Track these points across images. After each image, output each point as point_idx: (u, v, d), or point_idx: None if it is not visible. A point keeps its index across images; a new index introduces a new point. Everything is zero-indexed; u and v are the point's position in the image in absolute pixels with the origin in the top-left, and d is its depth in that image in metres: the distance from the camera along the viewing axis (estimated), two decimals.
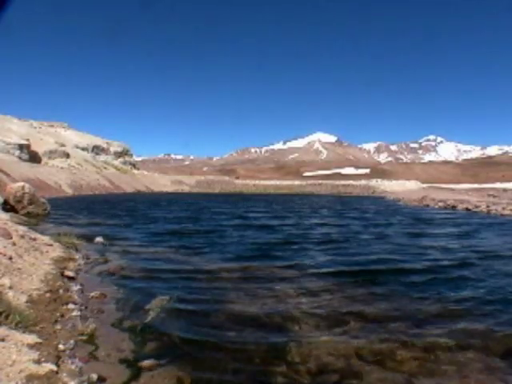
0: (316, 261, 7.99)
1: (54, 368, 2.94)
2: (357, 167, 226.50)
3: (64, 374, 2.96)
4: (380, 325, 4.40)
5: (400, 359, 3.59)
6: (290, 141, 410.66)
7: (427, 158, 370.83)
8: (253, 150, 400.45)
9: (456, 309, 5.00)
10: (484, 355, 3.70)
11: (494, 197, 37.89)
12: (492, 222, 16.88)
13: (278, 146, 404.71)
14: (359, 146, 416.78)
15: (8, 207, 13.74)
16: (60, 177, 46.05)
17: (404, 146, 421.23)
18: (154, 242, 10.19)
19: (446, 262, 7.86)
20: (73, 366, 3.14)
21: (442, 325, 4.42)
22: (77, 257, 7.31)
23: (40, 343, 3.28)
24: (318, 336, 4.06)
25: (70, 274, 5.84)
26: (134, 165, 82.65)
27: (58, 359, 3.16)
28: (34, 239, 7.23)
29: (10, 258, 5.22)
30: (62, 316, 4.18)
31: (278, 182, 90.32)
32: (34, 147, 54.54)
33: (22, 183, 15.58)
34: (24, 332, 3.39)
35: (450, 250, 9.61)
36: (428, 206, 30.45)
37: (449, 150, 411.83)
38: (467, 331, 4.24)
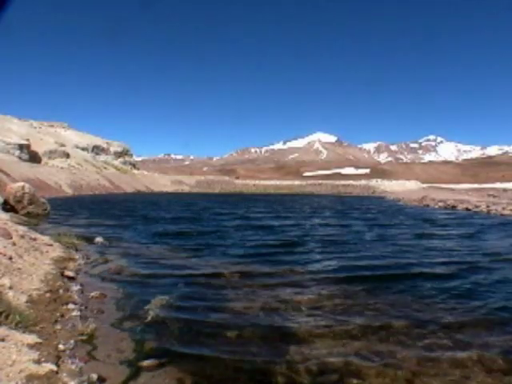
0: (322, 265, 7.66)
1: (54, 368, 2.94)
2: (357, 167, 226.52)
3: (64, 374, 2.96)
4: (385, 330, 4.27)
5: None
6: (290, 141, 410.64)
7: (427, 157, 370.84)
8: (253, 150, 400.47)
9: (467, 315, 4.77)
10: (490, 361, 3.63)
11: (494, 197, 37.89)
12: (494, 223, 16.84)
13: (278, 145, 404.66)
14: (359, 146, 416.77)
15: (8, 207, 13.74)
16: (60, 177, 46.06)
17: (404, 146, 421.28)
18: (154, 242, 10.18)
19: (456, 266, 7.54)
20: (73, 366, 3.14)
21: (452, 332, 4.23)
22: (77, 257, 7.31)
23: (40, 343, 3.28)
24: (324, 351, 3.79)
25: (70, 273, 5.84)
26: (134, 165, 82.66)
27: (58, 359, 3.16)
28: (34, 239, 7.23)
29: (10, 258, 5.22)
30: (62, 316, 4.17)
31: (278, 182, 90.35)
32: (34, 147, 54.56)
33: (21, 183, 15.58)
34: (24, 332, 3.39)
35: (459, 252, 9.28)
36: (428, 206, 30.45)
37: (449, 150, 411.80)
38: (478, 339, 4.03)
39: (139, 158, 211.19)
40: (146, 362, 3.33)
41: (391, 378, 3.26)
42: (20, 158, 49.32)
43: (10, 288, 4.28)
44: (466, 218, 19.48)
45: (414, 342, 3.97)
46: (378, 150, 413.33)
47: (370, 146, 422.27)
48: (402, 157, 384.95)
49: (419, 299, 5.44)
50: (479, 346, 3.86)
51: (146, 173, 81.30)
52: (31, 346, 3.16)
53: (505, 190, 51.27)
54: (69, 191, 42.78)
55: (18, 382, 2.62)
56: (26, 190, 14.79)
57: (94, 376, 3.02)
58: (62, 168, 52.06)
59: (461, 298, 5.49)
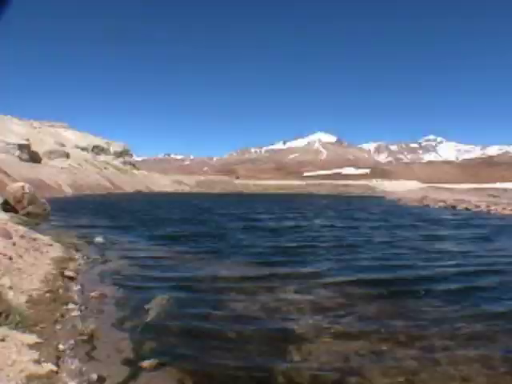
0: (331, 277, 6.69)
1: (54, 368, 2.94)
2: (357, 167, 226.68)
3: (64, 374, 2.96)
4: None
5: None
6: (290, 141, 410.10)
7: (427, 157, 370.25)
8: (253, 150, 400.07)
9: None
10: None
11: (494, 197, 37.90)
12: (500, 223, 16.77)
13: (278, 145, 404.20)
14: (359, 146, 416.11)
15: (8, 207, 13.73)
16: (60, 177, 46.10)
17: (404, 146, 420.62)
18: (154, 242, 10.19)
19: (482, 282, 6.50)
20: (73, 366, 3.14)
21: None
22: (77, 257, 7.31)
23: (40, 343, 3.28)
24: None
25: (70, 273, 5.84)
26: (134, 165, 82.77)
27: (58, 359, 3.16)
28: (34, 239, 7.23)
29: (10, 258, 5.22)
30: (62, 316, 4.17)
31: (278, 182, 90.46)
32: (34, 147, 54.63)
33: (21, 183, 15.57)
34: (24, 332, 3.38)
35: (478, 259, 8.51)
36: (428, 205, 30.46)
37: (449, 150, 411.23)
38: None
39: (139, 158, 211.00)
40: (145, 362, 3.33)
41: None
42: (20, 158, 49.36)
43: (10, 288, 4.27)
44: (468, 218, 19.41)
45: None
46: (377, 150, 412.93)
47: (370, 146, 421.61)
48: (401, 157, 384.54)
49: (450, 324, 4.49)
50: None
51: (146, 173, 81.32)
52: (31, 346, 3.16)
53: (505, 190, 51.24)
54: (69, 191, 42.81)
55: (18, 382, 2.62)
56: (26, 190, 14.78)
57: (94, 376, 3.02)
58: (62, 168, 52.09)
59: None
